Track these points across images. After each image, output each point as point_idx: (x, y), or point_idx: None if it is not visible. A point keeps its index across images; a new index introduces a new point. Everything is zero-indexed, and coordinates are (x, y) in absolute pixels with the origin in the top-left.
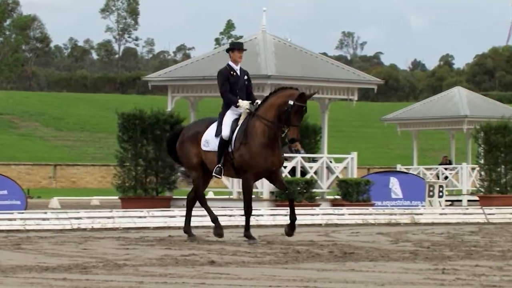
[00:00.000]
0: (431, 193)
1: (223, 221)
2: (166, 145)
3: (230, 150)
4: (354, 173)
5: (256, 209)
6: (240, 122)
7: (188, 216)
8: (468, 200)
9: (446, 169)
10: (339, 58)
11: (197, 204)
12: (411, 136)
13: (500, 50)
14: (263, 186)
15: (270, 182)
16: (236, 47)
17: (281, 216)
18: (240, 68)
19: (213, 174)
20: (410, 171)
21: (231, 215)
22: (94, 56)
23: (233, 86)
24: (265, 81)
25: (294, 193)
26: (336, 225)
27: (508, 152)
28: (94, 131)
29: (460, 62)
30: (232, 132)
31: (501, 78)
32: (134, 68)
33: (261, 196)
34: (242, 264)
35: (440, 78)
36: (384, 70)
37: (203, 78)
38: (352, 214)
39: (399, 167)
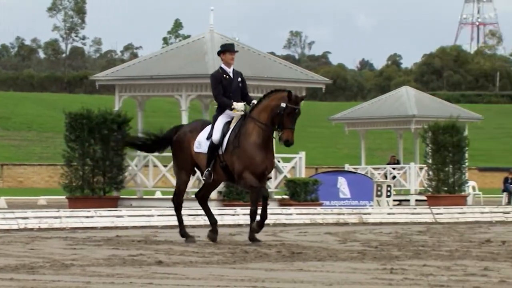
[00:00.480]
0: (379, 193)
1: (170, 221)
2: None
3: (220, 152)
4: (302, 173)
5: None
6: (232, 125)
7: (208, 214)
8: (416, 200)
9: (394, 168)
10: (287, 58)
11: (144, 203)
12: (359, 135)
13: (448, 50)
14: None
15: None
16: (227, 49)
17: (229, 216)
18: (233, 70)
19: (202, 178)
20: (358, 171)
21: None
22: (41, 55)
23: (226, 89)
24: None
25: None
26: (284, 224)
27: (456, 152)
28: (41, 131)
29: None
30: (223, 135)
31: (449, 77)
32: (81, 67)
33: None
34: (190, 264)
35: (388, 78)
36: (332, 70)
37: (151, 78)
38: (300, 213)
39: (347, 167)
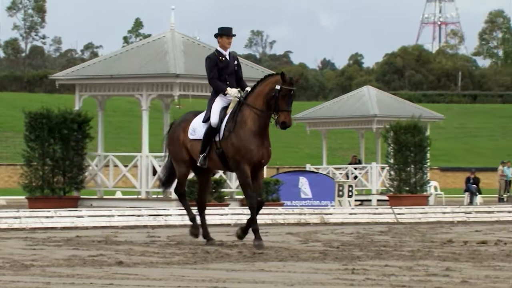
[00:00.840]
0: (340, 193)
1: (131, 222)
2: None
3: (217, 139)
4: (263, 173)
5: (165, 209)
6: (229, 111)
7: (202, 221)
8: (378, 200)
9: (355, 168)
10: (248, 57)
11: (104, 203)
12: (320, 135)
13: (409, 49)
14: (172, 186)
15: (251, 178)
16: (224, 33)
17: None
18: (229, 53)
19: (198, 163)
20: (320, 171)
21: (140, 215)
22: (1, 54)
23: (221, 72)
24: (174, 80)
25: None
26: None
27: (417, 152)
28: (0, 130)
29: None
30: (220, 120)
31: (411, 77)
32: (41, 66)
33: (169, 196)
34: (151, 264)
35: (349, 77)
36: (294, 69)
37: (111, 77)
38: (262, 214)
39: (309, 167)
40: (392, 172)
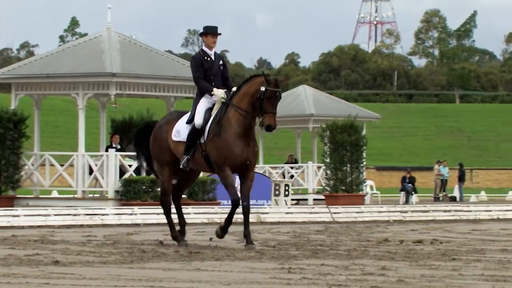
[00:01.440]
0: (277, 192)
1: (67, 221)
2: (135, 140)
3: (202, 141)
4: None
5: (101, 208)
6: (214, 112)
7: (177, 219)
8: (314, 199)
9: (292, 168)
10: (185, 56)
11: (40, 202)
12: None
13: (345, 49)
14: (108, 185)
15: (240, 182)
16: (209, 32)
17: (126, 216)
18: (215, 53)
19: (180, 166)
20: (256, 170)
21: (76, 215)
22: None
23: (207, 72)
24: (110, 79)
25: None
26: None
27: (353, 151)
28: None
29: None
30: (205, 121)
31: (347, 76)
32: None
33: (106, 195)
34: (87, 263)
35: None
36: (230, 68)
37: (47, 76)
38: (198, 213)
39: None
40: (328, 171)
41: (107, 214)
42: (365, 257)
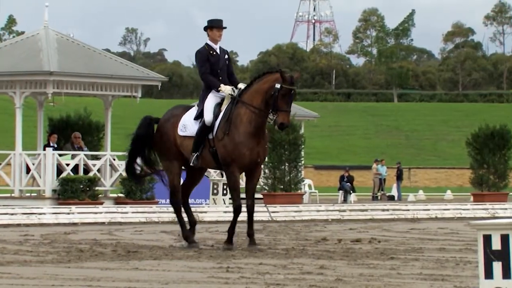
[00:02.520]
0: (215, 191)
1: (4, 220)
2: (137, 136)
3: (210, 137)
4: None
5: (38, 207)
6: (223, 108)
7: (186, 218)
8: None
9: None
10: (123, 55)
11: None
12: None
13: (284, 47)
14: (45, 184)
15: (246, 180)
16: (215, 25)
17: (64, 215)
18: (220, 47)
19: (190, 163)
20: None
21: (13, 214)
22: None
23: (213, 66)
24: (48, 78)
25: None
26: (120, 223)
27: (292, 150)
28: None
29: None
30: (215, 117)
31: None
32: None
33: (43, 194)
34: (24, 263)
35: None
36: (168, 67)
37: None
38: (136, 212)
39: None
40: (266, 170)
41: (44, 213)
42: (304, 256)
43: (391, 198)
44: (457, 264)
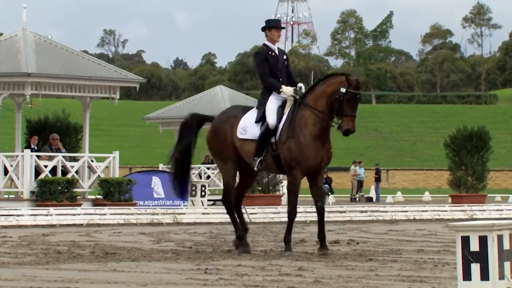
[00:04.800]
0: (193, 193)
1: None
2: (181, 135)
3: (273, 140)
4: (116, 173)
5: (16, 209)
6: (286, 111)
7: (240, 221)
8: None
9: (208, 168)
10: (101, 56)
11: None
12: (174, 135)
13: None
14: (24, 185)
15: (309, 183)
16: (273, 25)
17: (42, 216)
18: (278, 48)
19: (255, 168)
20: None
21: None
22: None
23: (272, 67)
24: (26, 79)
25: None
26: (98, 225)
27: None
28: None
29: (223, 60)
30: (278, 120)
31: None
32: None
33: (21, 195)
34: (2, 264)
35: (202, 77)
36: (146, 69)
37: None
38: (114, 214)
39: (162, 167)
40: None
41: (22, 215)
42: (282, 257)
43: (370, 199)
44: (435, 265)
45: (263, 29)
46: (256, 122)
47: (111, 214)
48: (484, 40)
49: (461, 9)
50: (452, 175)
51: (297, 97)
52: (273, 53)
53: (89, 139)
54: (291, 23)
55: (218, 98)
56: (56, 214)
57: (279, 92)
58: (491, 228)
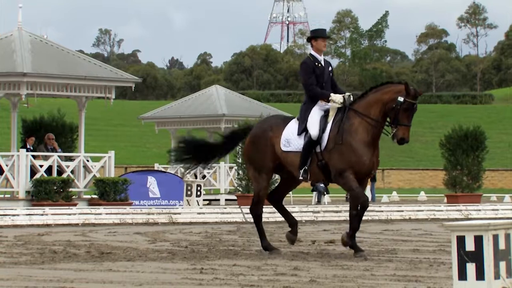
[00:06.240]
0: (189, 192)
1: None
2: (224, 144)
3: (318, 150)
4: (112, 172)
5: (12, 209)
6: (330, 120)
7: (285, 215)
8: (226, 199)
9: (204, 168)
10: (96, 56)
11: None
12: (169, 134)
13: (258, 49)
14: (19, 185)
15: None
16: (319, 35)
17: (37, 216)
18: (324, 59)
19: (300, 177)
20: (168, 170)
21: None
22: None
23: (318, 78)
24: (21, 79)
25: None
26: (94, 224)
27: None
28: None
29: (218, 60)
30: (322, 131)
31: (259, 76)
32: None
33: (17, 195)
34: None
35: (198, 77)
36: (142, 68)
37: None
38: (110, 213)
39: (157, 166)
40: (240, 172)
41: (18, 215)
42: (278, 257)
43: None
44: (431, 265)
45: (309, 39)
46: (298, 134)
47: (106, 213)
48: (479, 40)
49: (456, 9)
50: (448, 175)
51: (347, 103)
52: (319, 65)
53: (85, 139)
54: (287, 22)
55: (213, 98)
56: (52, 214)
57: (329, 100)
58: (486, 228)
